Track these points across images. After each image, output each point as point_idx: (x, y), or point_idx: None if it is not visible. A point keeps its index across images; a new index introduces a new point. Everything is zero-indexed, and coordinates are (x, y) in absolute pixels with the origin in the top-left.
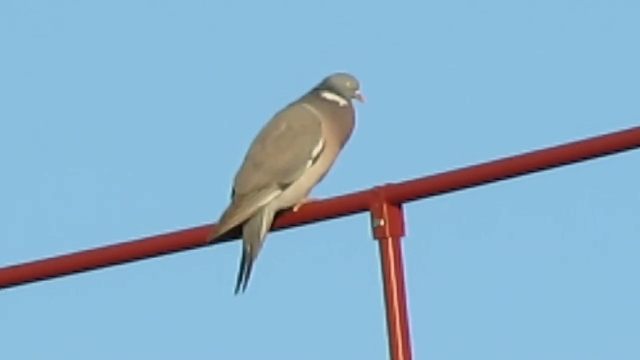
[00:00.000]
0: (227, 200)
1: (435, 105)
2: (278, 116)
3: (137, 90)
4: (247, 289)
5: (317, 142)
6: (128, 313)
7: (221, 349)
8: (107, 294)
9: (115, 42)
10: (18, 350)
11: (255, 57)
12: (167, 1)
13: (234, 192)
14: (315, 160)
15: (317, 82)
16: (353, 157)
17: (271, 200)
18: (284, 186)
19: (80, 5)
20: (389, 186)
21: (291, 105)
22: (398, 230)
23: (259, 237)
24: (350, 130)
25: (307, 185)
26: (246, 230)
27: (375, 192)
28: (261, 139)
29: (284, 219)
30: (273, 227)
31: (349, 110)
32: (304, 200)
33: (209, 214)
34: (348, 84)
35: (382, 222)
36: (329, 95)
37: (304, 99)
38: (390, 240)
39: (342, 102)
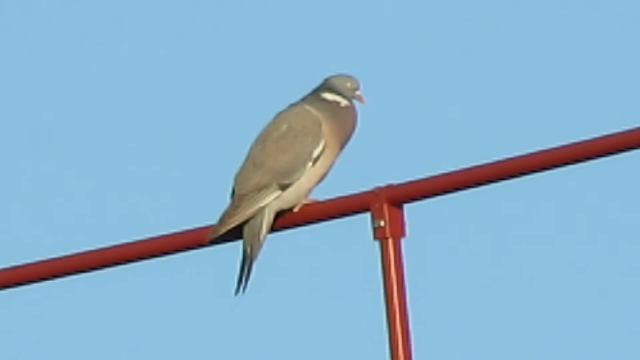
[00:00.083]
0: (227, 201)
1: (436, 105)
2: (279, 117)
3: (138, 91)
4: (247, 290)
5: (317, 143)
6: (128, 313)
7: (221, 350)
8: (107, 294)
9: (115, 42)
10: (18, 350)
11: (256, 58)
12: (167, 1)
13: (234, 192)
14: (315, 161)
15: (317, 82)
16: (353, 158)
17: (271, 201)
18: (284, 187)
19: (80, 5)
20: (389, 187)
21: (292, 105)
22: (398, 231)
23: (259, 237)
24: (351, 131)
25: (307, 186)
26: (246, 230)
27: (376, 192)
28: (262, 140)
29: (284, 220)
30: (273, 228)
31: (350, 111)
32: (304, 201)
33: (209, 214)
34: (348, 84)
35: (382, 223)
36: (329, 96)
37: (305, 99)
38: (390, 240)
39: (344, 102)
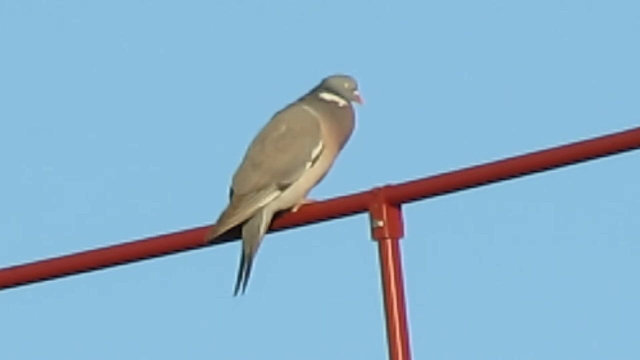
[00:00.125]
0: (226, 201)
1: (435, 105)
2: (277, 117)
3: (136, 91)
4: (246, 290)
5: (316, 143)
6: (128, 313)
7: (221, 350)
8: (107, 294)
9: (114, 42)
10: (18, 350)
11: (254, 58)
12: (167, 1)
13: (232, 192)
14: (314, 161)
15: (316, 83)
16: (352, 158)
17: (270, 201)
18: (283, 187)
19: (80, 5)
20: (388, 187)
21: (291, 106)
22: (397, 231)
23: (257, 237)
24: (350, 131)
25: (306, 186)
26: (245, 231)
27: (375, 193)
28: (260, 140)
29: (283, 220)
30: (272, 228)
31: (348, 111)
32: (303, 201)
33: (208, 215)
34: (346, 84)
35: (381, 223)
36: (327, 96)
37: (303, 100)
38: (389, 241)
39: (342, 102)
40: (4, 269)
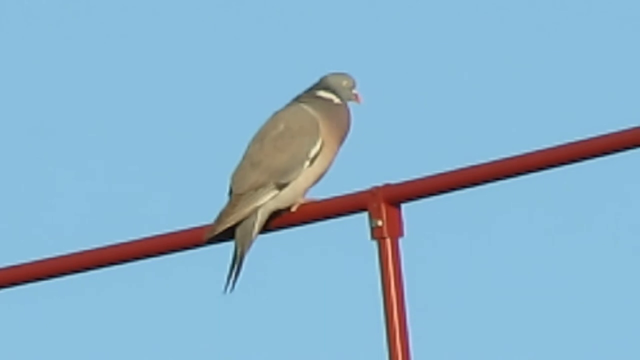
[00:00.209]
0: (225, 200)
1: (434, 105)
2: (276, 116)
3: (135, 90)
4: (239, 288)
5: (315, 142)
6: (126, 313)
7: (219, 350)
8: (105, 294)
9: (114, 42)
10: (18, 350)
11: (253, 57)
12: (167, 1)
13: (231, 191)
14: (312, 160)
15: (314, 81)
16: (351, 157)
17: (268, 200)
18: (281, 186)
19: (79, 5)
20: (387, 186)
21: (289, 105)
22: (396, 231)
23: (250, 236)
24: (347, 129)
25: (304, 186)
26: (239, 229)
27: (374, 192)
28: (259, 139)
29: (281, 219)
30: (271, 228)
31: (344, 108)
32: (301, 201)
33: (207, 214)
34: (344, 83)
35: (380, 223)
36: (325, 95)
37: (301, 98)
38: (388, 240)
39: (336, 100)
40: (4, 269)
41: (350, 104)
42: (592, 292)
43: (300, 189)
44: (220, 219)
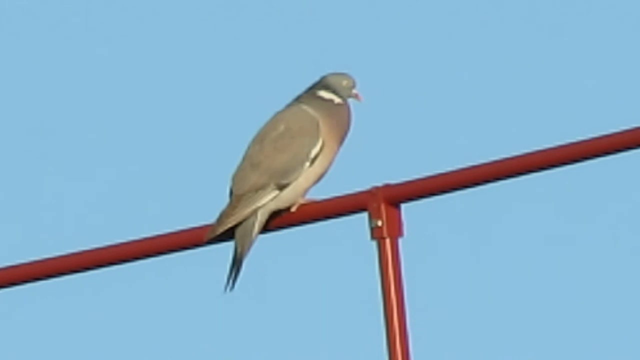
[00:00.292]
0: (225, 200)
1: (433, 104)
2: (276, 117)
3: (135, 91)
4: (238, 288)
5: (315, 143)
6: (126, 313)
7: (219, 350)
8: (105, 294)
9: (114, 42)
10: (18, 350)
11: (253, 58)
12: (167, 1)
13: (231, 192)
14: (313, 161)
15: (314, 81)
16: (351, 158)
17: (268, 201)
18: (281, 187)
19: (80, 6)
20: (386, 186)
21: (289, 105)
22: (396, 231)
23: (250, 237)
24: (347, 128)
25: (304, 186)
26: (239, 229)
27: (373, 192)
28: (259, 139)
29: (281, 220)
30: (271, 228)
31: (344, 108)
32: (301, 201)
33: (207, 214)
34: (345, 82)
35: (380, 223)
36: (326, 95)
37: (302, 98)
38: (388, 240)
39: (337, 100)
40: (4, 269)
41: (352, 102)
42: (592, 293)
43: (300, 189)
44: (220, 220)
